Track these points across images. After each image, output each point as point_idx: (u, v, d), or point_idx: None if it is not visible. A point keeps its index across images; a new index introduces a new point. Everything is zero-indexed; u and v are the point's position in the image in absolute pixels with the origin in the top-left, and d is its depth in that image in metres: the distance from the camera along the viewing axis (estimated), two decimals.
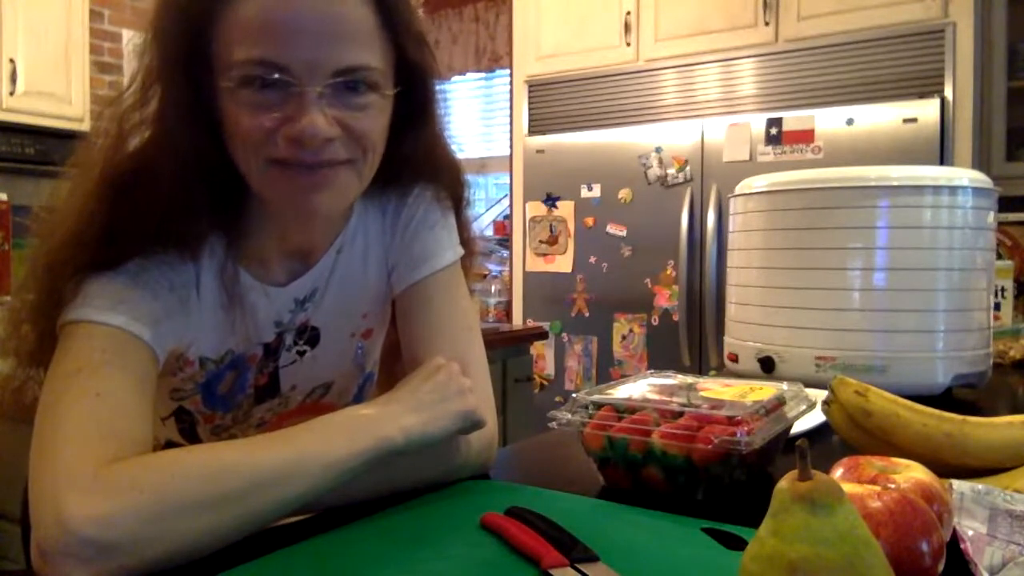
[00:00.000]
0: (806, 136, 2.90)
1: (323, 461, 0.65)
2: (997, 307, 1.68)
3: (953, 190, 1.23)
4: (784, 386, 0.85)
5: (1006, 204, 1.53)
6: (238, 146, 0.72)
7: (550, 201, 3.50)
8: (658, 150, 3.21)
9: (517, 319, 3.60)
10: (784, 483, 0.42)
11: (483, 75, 4.84)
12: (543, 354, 3.49)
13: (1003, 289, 1.72)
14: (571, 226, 3.44)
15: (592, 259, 3.39)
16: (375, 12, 0.72)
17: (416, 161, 0.85)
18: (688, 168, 3.14)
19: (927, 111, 2.72)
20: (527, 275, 3.59)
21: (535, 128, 3.63)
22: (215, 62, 0.70)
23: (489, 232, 4.39)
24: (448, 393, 0.76)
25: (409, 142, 0.82)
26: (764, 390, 0.82)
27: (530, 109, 3.66)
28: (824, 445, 0.92)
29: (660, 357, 3.20)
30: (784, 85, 3.05)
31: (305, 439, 0.67)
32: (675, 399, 0.79)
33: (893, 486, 0.54)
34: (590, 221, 3.38)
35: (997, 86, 2.86)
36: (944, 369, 1.22)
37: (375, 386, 0.99)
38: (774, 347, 1.30)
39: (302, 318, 0.86)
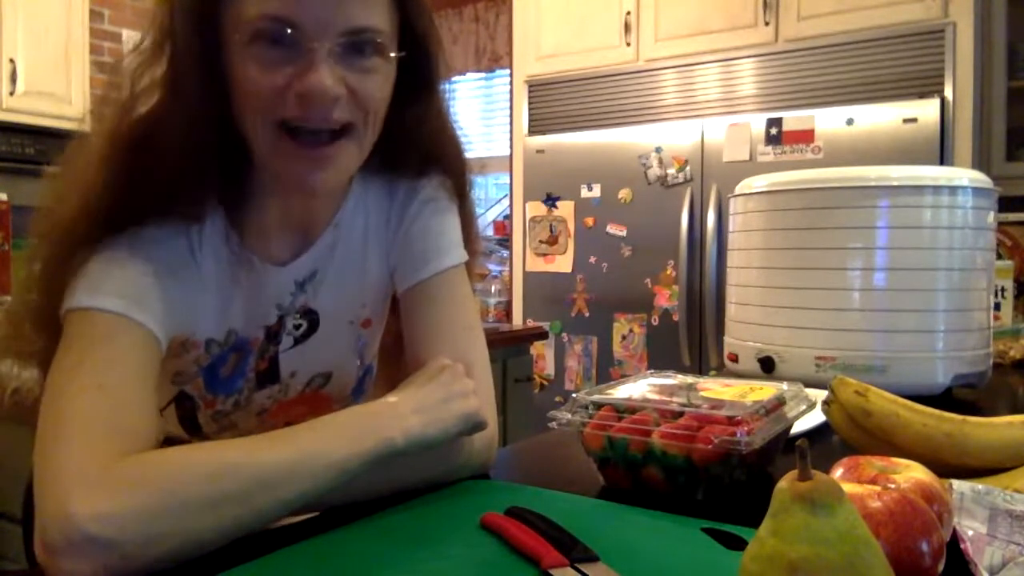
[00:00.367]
0: (806, 136, 2.90)
1: (325, 461, 0.65)
2: (997, 307, 1.68)
3: (953, 190, 1.23)
4: (784, 386, 0.85)
5: (1006, 204, 1.53)
6: (247, 105, 0.73)
7: (550, 201, 3.50)
8: (658, 150, 3.21)
9: (517, 319, 3.60)
10: (784, 483, 0.42)
11: (483, 75, 4.84)
12: (543, 354, 3.49)
13: (1003, 289, 1.72)
14: (571, 226, 3.44)
15: (592, 259, 3.39)
16: None
17: (422, 140, 0.86)
18: (688, 168, 3.14)
19: (927, 111, 2.72)
20: (527, 275, 3.59)
21: (535, 128, 3.63)
22: (227, 18, 0.71)
23: (489, 232, 4.39)
24: (452, 394, 0.76)
25: (414, 116, 0.83)
26: (764, 390, 0.82)
27: (530, 109, 3.66)
28: (824, 445, 0.92)
29: (660, 357, 3.20)
30: (784, 85, 3.05)
31: (308, 439, 0.67)
32: (675, 399, 0.79)
33: (893, 486, 0.54)
34: (590, 221, 3.38)
35: (997, 86, 2.86)
36: (944, 369, 1.22)
37: (374, 382, 1.00)
38: (774, 347, 1.30)
39: (302, 301, 0.87)
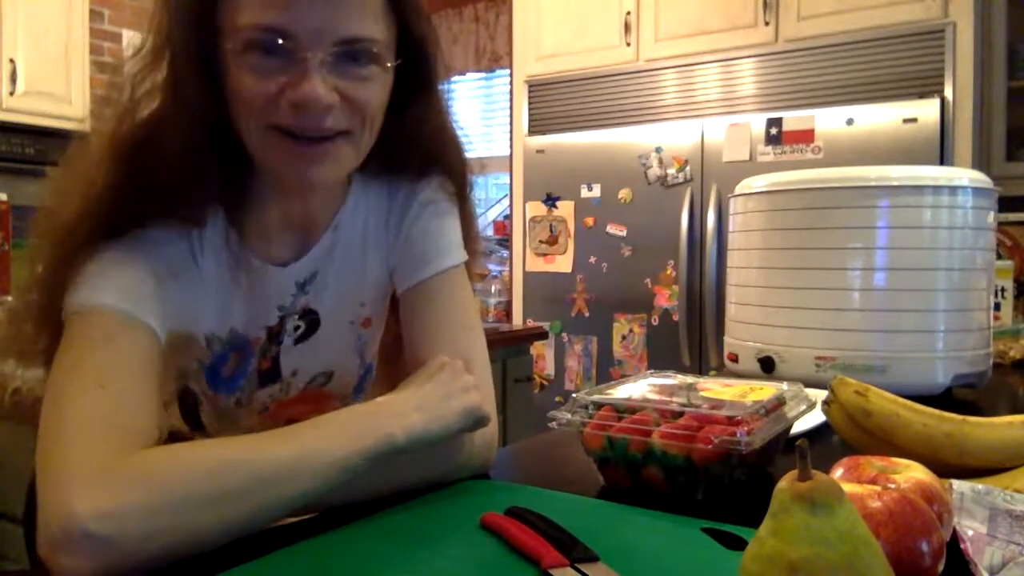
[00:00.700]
0: (806, 136, 2.90)
1: (327, 458, 0.65)
2: (997, 307, 1.68)
3: (953, 190, 1.23)
4: (784, 386, 0.85)
5: (1006, 204, 1.53)
6: (241, 111, 0.73)
7: (550, 201, 3.50)
8: (658, 150, 3.21)
9: (517, 319, 3.61)
10: (784, 483, 0.42)
11: (483, 75, 4.84)
12: (543, 354, 3.49)
13: (1003, 289, 1.72)
14: (571, 226, 3.44)
15: (592, 259, 3.39)
16: None
17: (422, 141, 0.86)
18: (688, 168, 3.14)
19: (927, 111, 2.72)
20: (527, 275, 3.59)
21: (535, 128, 3.63)
22: (222, 25, 0.72)
23: (489, 232, 4.39)
24: (452, 390, 0.76)
25: (414, 117, 0.83)
26: (764, 390, 0.82)
27: (530, 109, 3.66)
28: (824, 445, 0.92)
29: (660, 357, 3.20)
30: (784, 85, 3.05)
31: (309, 436, 0.67)
32: (675, 399, 0.79)
33: (893, 486, 0.54)
34: (590, 221, 3.38)
35: (997, 86, 2.86)
36: (944, 369, 1.22)
37: (374, 382, 1.00)
38: (774, 347, 1.30)
39: (303, 302, 0.87)
